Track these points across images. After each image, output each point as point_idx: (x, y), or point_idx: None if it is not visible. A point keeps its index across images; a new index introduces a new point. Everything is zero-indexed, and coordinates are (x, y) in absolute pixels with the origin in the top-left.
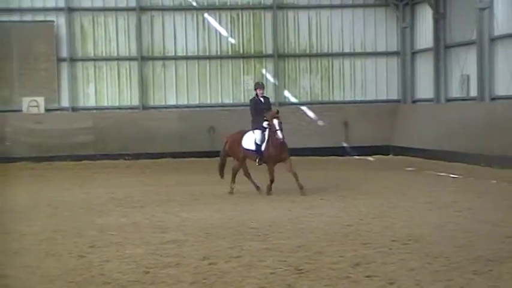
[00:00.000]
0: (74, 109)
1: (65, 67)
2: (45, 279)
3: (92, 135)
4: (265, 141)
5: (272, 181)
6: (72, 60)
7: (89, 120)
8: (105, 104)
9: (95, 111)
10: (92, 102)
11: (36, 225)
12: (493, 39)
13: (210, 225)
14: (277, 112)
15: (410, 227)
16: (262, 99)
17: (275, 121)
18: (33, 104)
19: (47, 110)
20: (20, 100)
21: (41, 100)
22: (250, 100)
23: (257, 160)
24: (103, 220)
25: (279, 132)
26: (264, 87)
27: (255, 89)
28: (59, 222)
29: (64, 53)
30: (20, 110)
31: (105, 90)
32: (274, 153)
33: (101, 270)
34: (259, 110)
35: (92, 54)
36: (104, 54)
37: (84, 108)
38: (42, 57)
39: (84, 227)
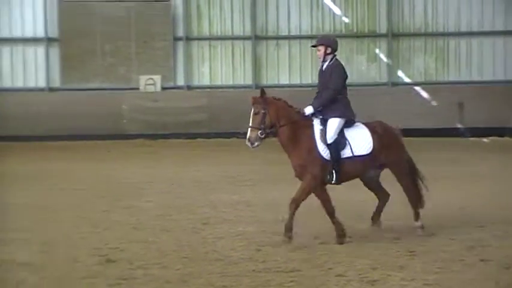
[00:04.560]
0: (189, 87)
1: (180, 46)
2: (160, 254)
3: (206, 113)
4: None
5: (329, 214)
6: (188, 39)
7: (203, 98)
8: (219, 83)
9: (209, 89)
10: (206, 81)
11: (152, 201)
12: None
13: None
14: (262, 92)
15: None
16: (324, 66)
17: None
18: (149, 82)
19: (163, 89)
20: (138, 78)
21: (157, 78)
22: None
23: None
24: (216, 197)
25: (248, 130)
26: (326, 44)
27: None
28: (173, 199)
29: (180, 32)
30: (137, 88)
31: (219, 69)
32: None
33: (214, 246)
34: (319, 88)
35: (207, 34)
36: (218, 33)
37: (198, 87)
38: (159, 36)
39: (197, 203)
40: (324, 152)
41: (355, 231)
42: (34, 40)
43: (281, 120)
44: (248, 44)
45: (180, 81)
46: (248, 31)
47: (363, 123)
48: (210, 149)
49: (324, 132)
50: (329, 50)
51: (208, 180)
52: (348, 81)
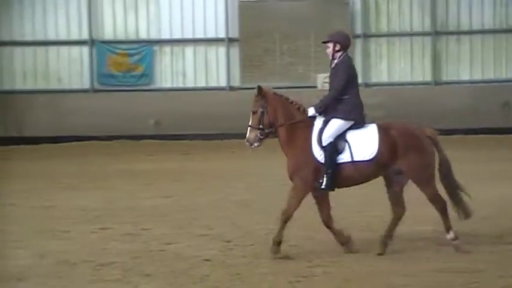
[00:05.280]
0: (367, 85)
1: (358, 44)
2: (339, 252)
3: (383, 111)
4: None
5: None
6: (366, 36)
7: (381, 96)
8: (397, 80)
9: (386, 87)
10: (384, 78)
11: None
12: None
13: (507, 203)
14: (258, 90)
15: None
16: (333, 64)
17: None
18: (327, 80)
19: None
20: (315, 77)
21: None
22: None
23: None
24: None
25: (248, 130)
26: (335, 41)
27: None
28: (351, 197)
29: (358, 30)
30: (315, 87)
31: (397, 66)
32: None
33: (393, 245)
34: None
35: (385, 30)
36: (397, 30)
37: (376, 84)
38: None
39: (373, 202)
40: (319, 155)
41: None
42: (216, 40)
43: (279, 119)
44: (427, 40)
45: (359, 79)
46: (428, 27)
47: (378, 124)
48: None
49: (321, 133)
50: (338, 47)
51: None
52: None
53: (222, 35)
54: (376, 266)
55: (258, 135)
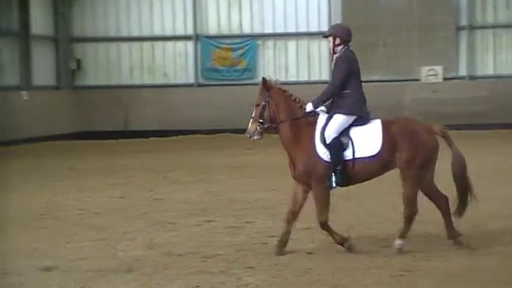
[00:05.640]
0: (472, 78)
1: (463, 35)
2: (442, 246)
3: (489, 104)
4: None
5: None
6: (471, 28)
7: (485, 89)
8: (504, 73)
9: (492, 79)
10: (489, 71)
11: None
12: None
13: None
14: (263, 82)
15: None
16: (334, 58)
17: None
18: (431, 73)
19: (444, 79)
20: (419, 69)
21: (439, 69)
22: None
23: None
24: (499, 192)
25: (250, 121)
26: (335, 35)
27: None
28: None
29: (463, 21)
30: (419, 79)
31: (504, 58)
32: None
33: (495, 240)
34: None
35: (492, 22)
36: (504, 21)
37: (481, 77)
38: (441, 26)
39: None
40: (324, 154)
41: None
42: (318, 34)
43: (281, 115)
44: None
45: (462, 72)
46: None
47: (382, 120)
48: (492, 140)
49: (323, 131)
50: (338, 41)
51: (490, 173)
52: None
53: (324, 28)
54: (482, 261)
55: (258, 128)
